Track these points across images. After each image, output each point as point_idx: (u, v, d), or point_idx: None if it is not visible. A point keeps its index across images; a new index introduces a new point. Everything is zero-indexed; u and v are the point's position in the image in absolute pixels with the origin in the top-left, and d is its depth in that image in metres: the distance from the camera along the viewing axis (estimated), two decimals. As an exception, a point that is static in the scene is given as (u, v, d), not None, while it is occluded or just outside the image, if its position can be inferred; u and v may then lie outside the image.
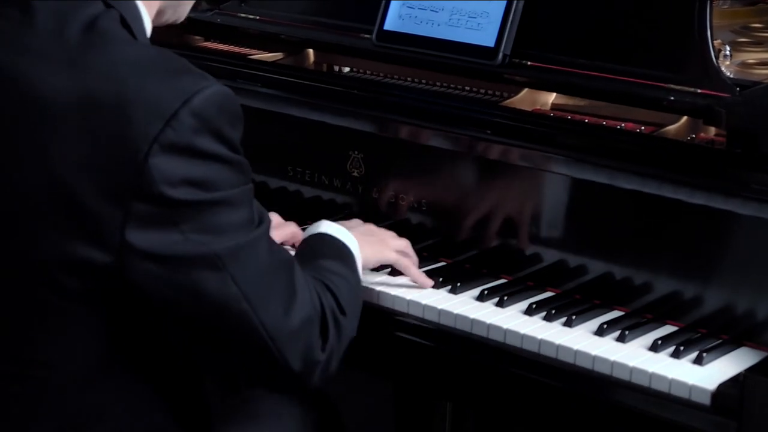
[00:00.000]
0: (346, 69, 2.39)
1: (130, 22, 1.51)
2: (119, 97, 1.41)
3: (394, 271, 1.96)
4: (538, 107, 2.10)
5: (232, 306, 1.46)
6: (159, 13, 1.61)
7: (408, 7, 2.19)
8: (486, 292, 1.89)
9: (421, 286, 1.91)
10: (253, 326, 1.47)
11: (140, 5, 1.55)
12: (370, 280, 1.93)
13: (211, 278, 1.44)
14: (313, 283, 1.58)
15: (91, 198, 1.41)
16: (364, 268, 1.83)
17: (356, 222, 1.94)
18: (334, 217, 2.12)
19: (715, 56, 1.91)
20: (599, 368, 1.71)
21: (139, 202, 1.41)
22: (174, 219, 1.42)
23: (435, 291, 1.91)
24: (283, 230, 1.99)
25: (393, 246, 1.92)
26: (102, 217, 1.41)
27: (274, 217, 2.00)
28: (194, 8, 1.74)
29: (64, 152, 1.43)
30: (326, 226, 1.79)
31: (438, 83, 2.23)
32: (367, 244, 1.85)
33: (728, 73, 1.95)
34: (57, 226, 1.44)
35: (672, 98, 1.92)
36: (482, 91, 2.18)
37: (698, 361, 1.68)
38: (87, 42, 1.47)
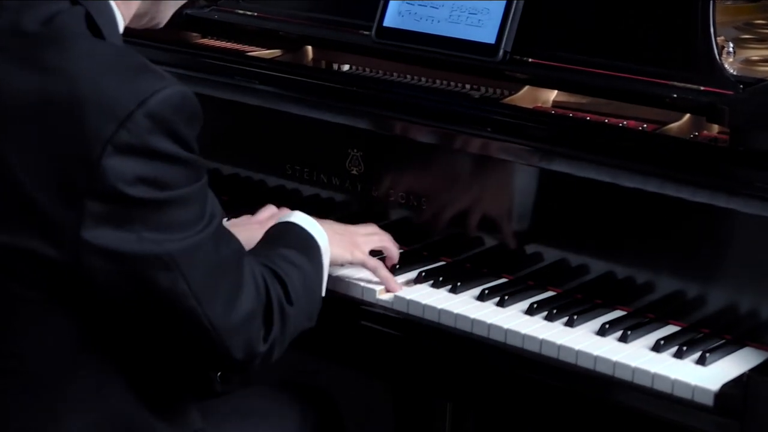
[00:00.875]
0: (345, 66, 2.39)
1: (98, 19, 1.51)
2: (74, 95, 1.42)
3: (393, 271, 1.96)
4: (540, 105, 2.10)
5: (181, 303, 1.49)
6: (138, 16, 1.62)
7: (408, 3, 2.19)
8: (487, 291, 1.89)
9: (389, 288, 1.92)
10: (200, 321, 1.51)
11: (113, 4, 1.55)
12: (369, 278, 1.94)
13: (163, 277, 1.47)
14: (262, 271, 1.60)
15: (46, 197, 1.43)
16: (332, 265, 1.84)
17: (333, 222, 1.94)
18: (333, 217, 2.12)
19: (718, 53, 1.91)
20: (601, 368, 1.71)
21: (94, 201, 1.42)
22: (128, 217, 1.44)
23: (435, 290, 1.91)
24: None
25: (366, 246, 1.93)
26: (57, 215, 1.43)
27: (270, 209, 2.02)
28: (191, 4, 1.74)
29: (19, 151, 1.44)
30: (297, 216, 1.81)
31: (438, 80, 2.23)
32: (337, 241, 1.87)
33: (731, 70, 1.95)
34: (12, 223, 1.45)
35: (675, 95, 1.92)
36: (483, 88, 2.18)
37: (701, 361, 1.68)
38: (44, 38, 1.47)
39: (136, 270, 1.46)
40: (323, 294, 1.76)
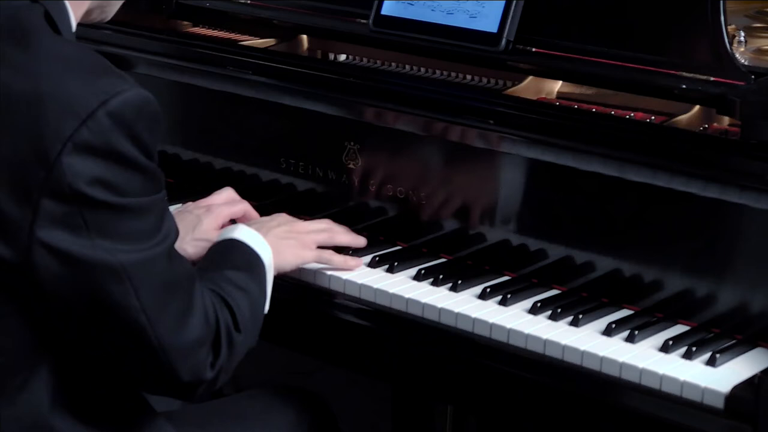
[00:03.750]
0: (342, 56, 2.39)
1: (55, 18, 1.54)
2: (35, 92, 1.44)
3: (391, 269, 1.96)
4: (543, 96, 2.10)
5: (129, 317, 1.50)
6: (87, 13, 1.64)
7: (407, -10, 2.19)
8: (488, 289, 1.89)
9: (348, 269, 1.95)
10: (148, 338, 1.51)
11: (67, 4, 1.58)
12: (368, 277, 1.93)
13: (113, 288, 1.48)
14: (211, 298, 1.61)
15: (1, 194, 1.44)
16: (280, 273, 1.86)
17: (277, 221, 1.95)
18: (328, 211, 2.12)
19: (728, 42, 1.90)
20: (607, 370, 1.70)
21: (50, 200, 1.44)
22: (83, 219, 1.45)
23: (436, 288, 1.91)
24: (234, 207, 2.02)
25: (314, 243, 1.94)
26: (12, 213, 1.44)
27: (227, 192, 2.03)
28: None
29: None
30: (240, 231, 1.82)
31: (438, 71, 2.22)
32: (284, 248, 1.88)
33: (743, 60, 1.95)
34: None
35: (684, 86, 1.91)
36: (485, 79, 2.18)
37: (711, 362, 1.68)
38: (7, 34, 1.49)
39: (88, 277, 1.47)
40: (266, 311, 1.76)
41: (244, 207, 2.04)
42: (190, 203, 2.03)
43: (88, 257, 1.46)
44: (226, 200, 2.02)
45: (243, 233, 1.81)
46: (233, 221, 2.00)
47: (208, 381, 1.59)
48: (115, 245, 1.47)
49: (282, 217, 1.97)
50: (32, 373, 1.53)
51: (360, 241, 2.01)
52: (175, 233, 1.57)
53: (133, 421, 1.67)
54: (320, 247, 1.96)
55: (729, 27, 1.93)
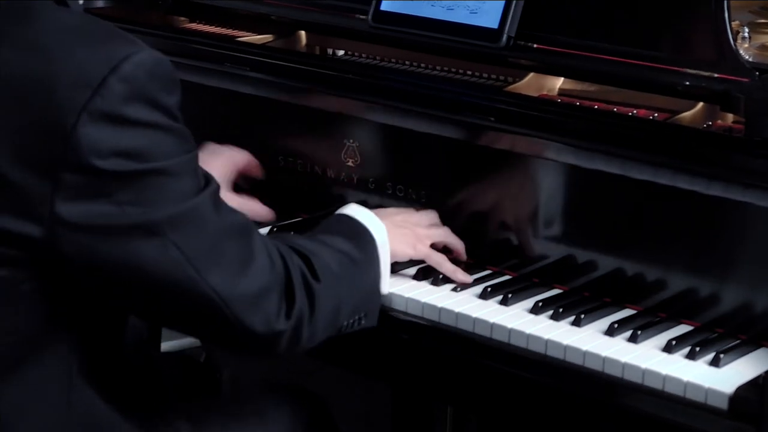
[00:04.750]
0: (341, 52, 2.38)
1: None
2: (44, 66, 1.43)
3: (390, 268, 1.96)
4: (545, 93, 2.10)
5: (175, 273, 1.47)
6: None
7: (407, -14, 2.18)
8: (489, 289, 1.89)
9: (455, 280, 1.91)
10: (203, 292, 1.48)
11: None
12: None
13: (149, 247, 1.45)
14: (279, 247, 1.58)
15: (17, 171, 1.43)
16: (392, 260, 1.82)
17: (392, 210, 1.93)
18: (327, 210, 2.12)
19: (732, 38, 1.90)
20: (609, 370, 1.70)
21: (68, 173, 1.42)
22: (107, 191, 1.43)
23: (436, 288, 1.91)
24: (240, 153, 2.09)
25: (428, 240, 1.91)
26: (30, 189, 1.43)
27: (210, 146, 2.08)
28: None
29: None
30: (353, 208, 1.79)
31: (438, 67, 2.22)
32: (398, 236, 1.85)
33: (747, 57, 1.95)
34: None
35: (687, 83, 1.91)
36: (485, 75, 2.17)
37: (715, 362, 1.68)
38: (10, 9, 1.48)
39: (117, 242, 1.45)
40: (384, 291, 1.73)
41: (248, 157, 2.09)
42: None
43: (117, 224, 1.43)
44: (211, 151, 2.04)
45: (355, 210, 1.78)
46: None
47: (285, 332, 1.54)
48: (146, 209, 1.44)
49: (396, 208, 1.96)
50: (50, 350, 1.51)
51: (463, 250, 1.96)
52: (216, 183, 1.54)
53: (146, 405, 1.65)
54: None
55: (733, 23, 1.93)
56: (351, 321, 1.71)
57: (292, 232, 1.77)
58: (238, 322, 1.51)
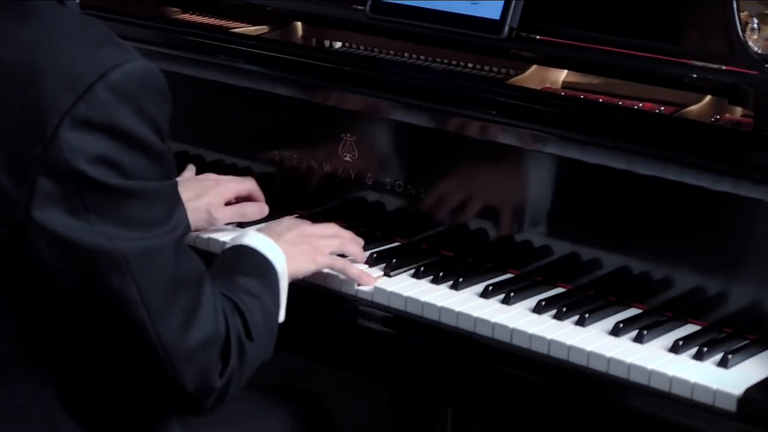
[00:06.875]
0: (338, 44, 2.38)
1: None
2: (31, 64, 1.42)
3: (390, 266, 1.95)
4: (548, 85, 2.10)
5: (128, 310, 1.46)
6: None
7: (405, -25, 2.18)
8: (491, 287, 1.89)
9: (361, 283, 1.92)
10: (148, 335, 1.48)
11: None
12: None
13: (111, 278, 1.45)
14: (222, 302, 1.58)
15: None
16: (294, 279, 1.83)
17: (286, 224, 1.92)
18: (324, 206, 2.12)
19: (741, 30, 1.90)
20: (614, 371, 1.70)
21: (47, 178, 1.41)
22: (82, 202, 1.42)
23: (436, 287, 1.91)
24: (241, 183, 2.07)
25: (327, 249, 1.92)
26: (7, 190, 1.42)
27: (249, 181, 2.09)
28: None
29: None
30: (250, 237, 1.79)
31: (438, 59, 2.22)
32: (296, 254, 1.85)
33: (756, 48, 1.95)
34: None
35: (694, 76, 1.91)
36: (487, 67, 2.17)
37: (723, 363, 1.68)
38: (5, 5, 1.47)
39: (85, 263, 1.44)
40: (281, 320, 1.74)
41: (250, 185, 2.08)
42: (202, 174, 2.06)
43: (85, 243, 1.43)
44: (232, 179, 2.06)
45: (253, 239, 1.77)
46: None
47: (217, 390, 1.54)
48: (117, 231, 1.43)
49: (289, 221, 1.96)
50: (33, 362, 1.51)
51: (362, 255, 1.98)
52: (186, 227, 1.53)
53: (134, 417, 1.64)
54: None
55: (742, 14, 1.93)
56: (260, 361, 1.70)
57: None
58: (172, 373, 1.50)
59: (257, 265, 1.74)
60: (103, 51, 1.44)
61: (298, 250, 1.86)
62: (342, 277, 1.93)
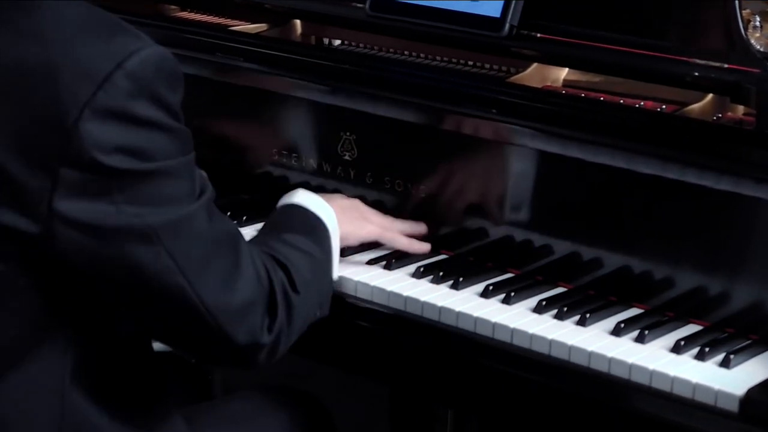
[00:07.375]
0: (337, 42, 2.38)
1: None
2: (47, 59, 1.43)
3: (389, 265, 1.95)
4: (549, 84, 2.10)
5: (167, 280, 1.49)
6: None
7: (405, -27, 2.18)
8: (491, 287, 1.88)
9: (414, 251, 1.95)
10: (191, 301, 1.50)
11: None
12: (365, 274, 1.93)
13: (144, 252, 1.47)
14: (263, 259, 1.61)
15: (17, 165, 1.43)
16: (344, 245, 1.86)
17: (339, 196, 1.96)
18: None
19: (743, 27, 1.90)
20: (616, 371, 1.70)
21: (68, 169, 1.42)
22: (106, 188, 1.44)
23: (435, 287, 1.91)
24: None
25: (376, 222, 1.95)
26: (28, 184, 1.43)
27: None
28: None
29: None
30: (301, 196, 1.82)
31: (438, 57, 2.22)
32: (347, 219, 1.88)
33: (758, 46, 1.94)
34: None
35: (696, 74, 1.91)
36: (487, 66, 2.17)
37: (725, 363, 1.67)
38: (12, 1, 1.48)
39: (114, 244, 1.46)
40: (335, 278, 1.76)
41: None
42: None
43: (112, 224, 1.44)
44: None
45: (303, 197, 1.80)
46: None
47: (267, 346, 1.57)
48: (144, 210, 1.46)
49: (339, 195, 1.98)
50: (46, 347, 1.52)
51: (424, 247, 1.99)
52: (211, 190, 1.56)
53: (146, 406, 1.66)
54: None
55: (744, 11, 1.93)
56: (312, 317, 1.73)
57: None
58: (222, 334, 1.53)
59: (305, 222, 1.78)
60: (117, 40, 1.45)
61: (350, 215, 1.90)
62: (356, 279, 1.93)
